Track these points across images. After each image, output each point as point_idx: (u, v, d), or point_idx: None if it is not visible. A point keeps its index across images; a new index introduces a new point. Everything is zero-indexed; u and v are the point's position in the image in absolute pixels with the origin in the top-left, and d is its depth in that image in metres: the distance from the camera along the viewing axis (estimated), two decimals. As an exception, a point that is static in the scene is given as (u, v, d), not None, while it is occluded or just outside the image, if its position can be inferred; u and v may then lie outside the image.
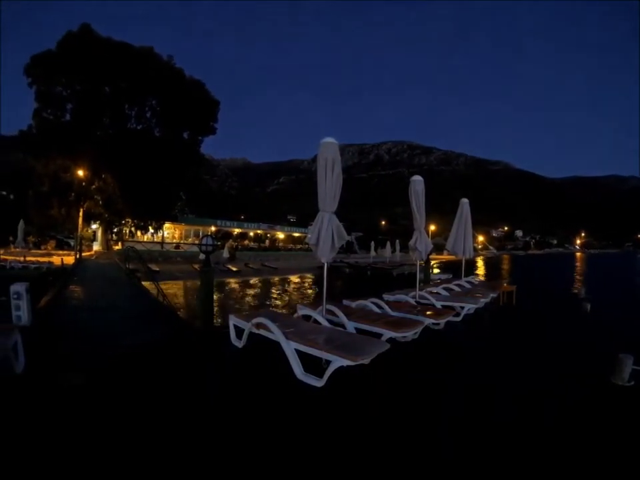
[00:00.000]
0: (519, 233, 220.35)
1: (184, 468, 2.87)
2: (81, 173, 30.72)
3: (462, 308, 8.60)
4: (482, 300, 9.45)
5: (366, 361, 4.33)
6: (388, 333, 5.78)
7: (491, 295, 10.39)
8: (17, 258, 23.36)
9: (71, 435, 3.33)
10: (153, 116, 39.63)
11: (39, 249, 36.38)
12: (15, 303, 6.61)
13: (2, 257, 24.09)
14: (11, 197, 53.35)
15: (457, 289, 11.36)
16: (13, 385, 4.27)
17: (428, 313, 7.22)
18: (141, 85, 35.82)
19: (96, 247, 41.31)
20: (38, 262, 22.63)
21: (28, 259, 23.54)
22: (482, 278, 23.55)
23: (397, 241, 46.72)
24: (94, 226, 40.69)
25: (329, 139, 5.81)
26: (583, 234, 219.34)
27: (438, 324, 7.47)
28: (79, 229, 29.05)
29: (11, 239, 31.81)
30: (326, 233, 5.74)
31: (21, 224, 28.80)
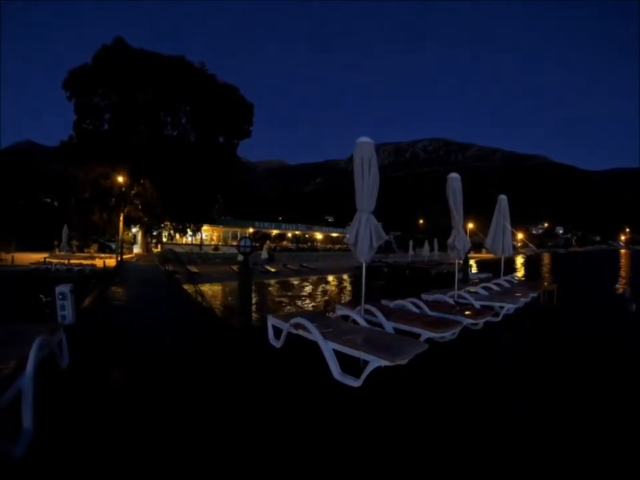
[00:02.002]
0: (559, 230, 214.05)
1: (225, 465, 2.92)
2: (120, 179, 31.52)
3: (501, 308, 8.46)
4: (522, 300, 9.25)
5: (404, 361, 4.30)
6: (426, 333, 5.74)
7: (531, 294, 10.15)
8: (62, 261, 24.13)
9: (113, 426, 3.44)
10: (188, 122, 40.23)
11: (82, 252, 37.41)
12: (60, 303, 6.84)
13: (48, 260, 24.92)
14: (55, 203, 55.23)
15: (496, 288, 11.17)
16: (58, 380, 4.43)
17: (466, 312, 7.13)
18: (174, 92, 36.47)
19: (136, 249, 42.21)
20: (81, 264, 23.33)
21: (72, 261, 24.29)
22: (521, 277, 23.01)
23: (435, 239, 45.97)
24: (134, 229, 41.69)
25: (365, 139, 5.79)
26: (627, 229, 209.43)
27: (477, 324, 7.36)
28: (120, 233, 29.81)
29: (55, 243, 32.91)
30: (364, 233, 5.73)
31: (65, 229, 29.78)
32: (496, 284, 11.61)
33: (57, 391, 4.16)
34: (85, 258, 29.32)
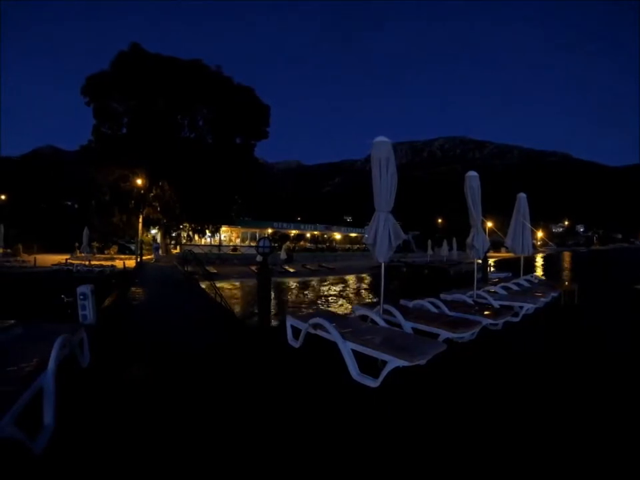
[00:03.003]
0: (580, 228, 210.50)
1: (245, 464, 2.93)
2: (139, 181, 31.98)
3: (521, 308, 8.37)
4: (542, 299, 9.13)
5: (422, 362, 4.28)
6: (445, 334, 5.70)
7: (552, 294, 10.00)
8: (83, 262, 24.59)
9: (132, 423, 3.50)
10: (205, 124, 40.68)
11: (103, 253, 38.01)
12: (81, 303, 6.95)
13: (69, 261, 25.41)
14: (75, 206, 56.05)
15: (515, 287, 11.03)
16: (79, 378, 4.53)
17: (486, 312, 7.06)
18: (191, 95, 36.86)
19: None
20: (102, 265, 23.79)
21: (93, 263, 24.78)
22: (541, 276, 22.70)
23: (454, 238, 45.67)
24: (153, 231, 42.18)
25: (382, 138, 5.77)
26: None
27: (496, 324, 7.27)
28: (139, 234, 30.18)
29: (76, 244, 33.39)
30: (382, 233, 5.72)
31: (86, 231, 30.24)
32: (515, 283, 11.46)
33: (77, 389, 4.25)
34: (105, 259, 29.83)
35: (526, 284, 11.84)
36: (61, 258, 27.12)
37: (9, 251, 29.53)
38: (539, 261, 61.52)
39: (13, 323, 4.92)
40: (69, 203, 65.14)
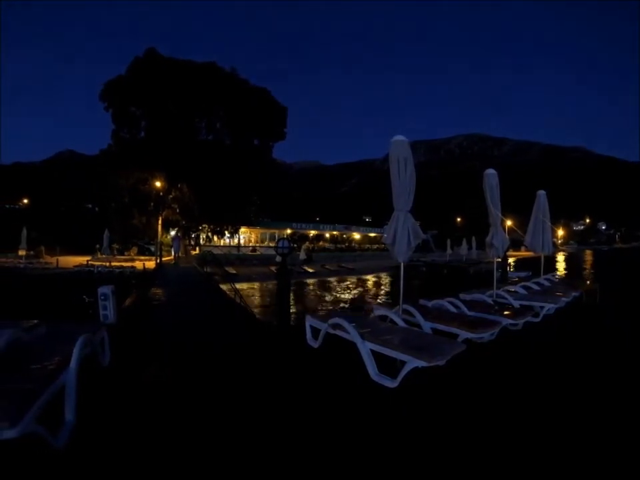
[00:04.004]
0: (602, 226, 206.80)
1: (267, 465, 2.94)
2: (158, 184, 32.30)
3: (541, 308, 8.26)
4: (563, 299, 9.03)
5: (441, 362, 4.26)
6: (464, 334, 5.67)
7: (573, 294, 9.88)
8: (103, 263, 24.96)
9: (152, 421, 3.54)
10: (223, 126, 40.90)
11: (123, 255, 38.46)
12: (102, 304, 7.09)
13: (90, 262, 25.79)
14: (96, 209, 56.94)
15: (535, 287, 10.88)
16: (99, 377, 4.61)
17: (505, 313, 6.99)
18: (207, 97, 37.14)
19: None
20: (122, 267, 24.07)
21: (113, 264, 25.09)
22: (562, 275, 22.36)
23: (473, 237, 45.28)
24: (172, 232, 42.64)
25: (399, 137, 5.74)
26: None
27: (516, 325, 7.20)
28: (159, 236, 30.49)
29: (97, 246, 33.86)
30: (402, 232, 5.69)
31: (106, 233, 30.74)
32: (536, 283, 11.30)
33: (98, 387, 4.32)
34: (125, 260, 30.15)
35: (546, 283, 11.69)
36: (82, 259, 27.51)
37: (31, 253, 30.03)
38: (560, 259, 60.71)
39: (36, 322, 5.02)
40: (90, 206, 66.29)
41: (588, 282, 12.44)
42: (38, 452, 2.88)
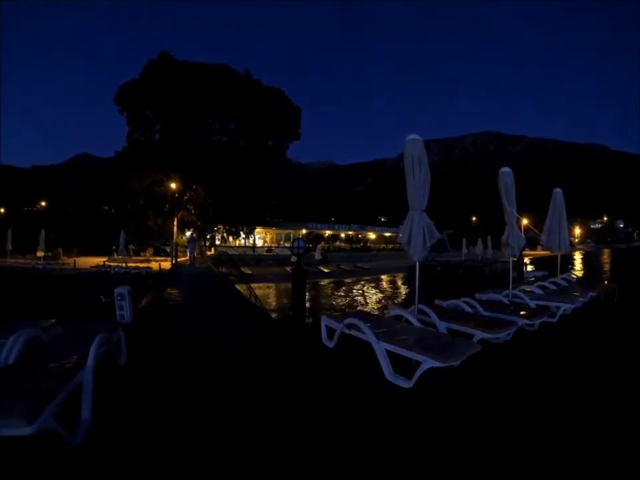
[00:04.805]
0: (620, 224, 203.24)
1: (284, 465, 2.95)
2: (173, 185, 32.53)
3: (558, 308, 8.17)
4: (580, 299, 8.92)
5: (456, 362, 4.24)
6: (479, 334, 5.62)
7: (590, 294, 9.73)
8: (120, 264, 25.26)
9: (167, 420, 3.57)
10: (236, 127, 41.13)
11: (139, 255, 38.78)
12: (119, 304, 7.20)
13: (106, 263, 26.15)
14: (112, 211, 57.64)
15: (552, 287, 10.76)
16: (117, 376, 4.67)
17: (521, 313, 6.93)
18: (221, 99, 37.41)
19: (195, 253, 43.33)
20: (138, 267, 24.32)
21: (129, 265, 25.36)
22: (580, 275, 22.08)
23: (489, 237, 44.95)
24: (188, 233, 42.96)
25: (414, 136, 5.73)
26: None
27: (532, 325, 7.12)
28: (174, 237, 30.74)
29: (113, 247, 34.24)
30: (417, 232, 5.68)
31: (122, 234, 31.14)
32: (552, 282, 11.17)
33: (114, 386, 4.38)
34: (141, 261, 30.43)
35: (563, 283, 11.55)
36: (99, 260, 27.86)
37: (49, 254, 30.49)
38: (577, 258, 59.95)
39: (54, 322, 5.11)
40: (105, 208, 67.09)
41: (606, 281, 12.22)
42: (55, 448, 2.94)
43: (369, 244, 65.54)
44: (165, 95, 35.42)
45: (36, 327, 4.46)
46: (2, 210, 54.01)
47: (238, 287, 15.55)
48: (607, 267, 43.25)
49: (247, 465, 2.93)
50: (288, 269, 26.80)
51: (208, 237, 43.74)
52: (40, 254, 28.22)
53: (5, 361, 3.66)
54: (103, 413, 3.59)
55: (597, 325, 8.59)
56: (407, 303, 7.96)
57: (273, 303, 18.94)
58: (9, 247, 29.11)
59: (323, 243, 50.54)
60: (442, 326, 5.94)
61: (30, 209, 75.07)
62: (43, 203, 75.87)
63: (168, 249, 38.82)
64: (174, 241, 30.27)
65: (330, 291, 24.32)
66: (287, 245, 48.06)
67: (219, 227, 41.93)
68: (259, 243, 52.25)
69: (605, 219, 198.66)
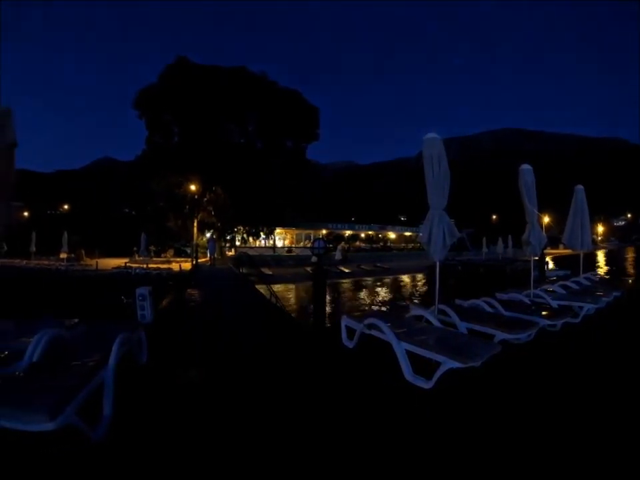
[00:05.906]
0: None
1: (303, 466, 2.95)
2: (192, 187, 32.83)
3: (581, 308, 8.01)
4: (603, 299, 8.73)
5: (476, 363, 4.18)
6: (500, 335, 5.55)
7: (614, 293, 9.51)
8: (141, 265, 25.72)
9: (188, 418, 3.59)
10: (255, 129, 41.40)
11: (159, 256, 39.31)
12: (140, 304, 7.34)
13: (128, 264, 26.63)
14: (133, 213, 58.52)
15: (574, 286, 10.55)
16: (137, 375, 4.75)
17: (543, 313, 6.81)
18: (238, 101, 37.68)
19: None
20: (159, 268, 24.69)
21: (150, 266, 25.78)
22: (603, 274, 21.69)
23: (509, 235, 44.42)
24: (208, 234, 43.37)
25: (432, 135, 5.69)
26: None
27: (554, 325, 7.00)
28: (194, 238, 31.06)
29: (134, 249, 34.80)
30: (437, 231, 5.63)
31: (143, 235, 31.62)
32: (575, 282, 10.96)
33: (135, 384, 4.45)
34: (162, 262, 30.87)
35: (586, 282, 11.33)
36: (120, 262, 28.34)
37: (72, 255, 31.09)
38: (600, 257, 58.89)
39: (77, 321, 5.22)
40: (126, 210, 68.16)
41: (630, 281, 11.96)
42: (78, 443, 3.02)
43: (389, 243, 65.42)
44: (183, 99, 35.82)
45: (59, 327, 4.56)
46: (26, 213, 55.19)
47: (258, 287, 15.64)
48: (631, 266, 42.38)
49: (264, 463, 2.95)
50: (308, 269, 26.86)
51: (228, 237, 44.04)
52: (63, 255, 28.82)
53: (29, 359, 3.77)
54: (124, 410, 3.65)
55: (621, 326, 8.39)
56: (427, 302, 7.88)
57: (293, 304, 18.99)
58: (33, 248, 29.84)
59: (343, 243, 50.48)
60: (462, 326, 5.88)
61: (53, 212, 76.55)
62: (66, 206, 77.55)
63: (188, 250, 39.22)
64: (194, 242, 30.56)
65: (350, 291, 24.31)
66: (307, 245, 48.15)
67: (238, 227, 42.18)
68: (279, 243, 52.44)
69: (629, 216, 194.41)
